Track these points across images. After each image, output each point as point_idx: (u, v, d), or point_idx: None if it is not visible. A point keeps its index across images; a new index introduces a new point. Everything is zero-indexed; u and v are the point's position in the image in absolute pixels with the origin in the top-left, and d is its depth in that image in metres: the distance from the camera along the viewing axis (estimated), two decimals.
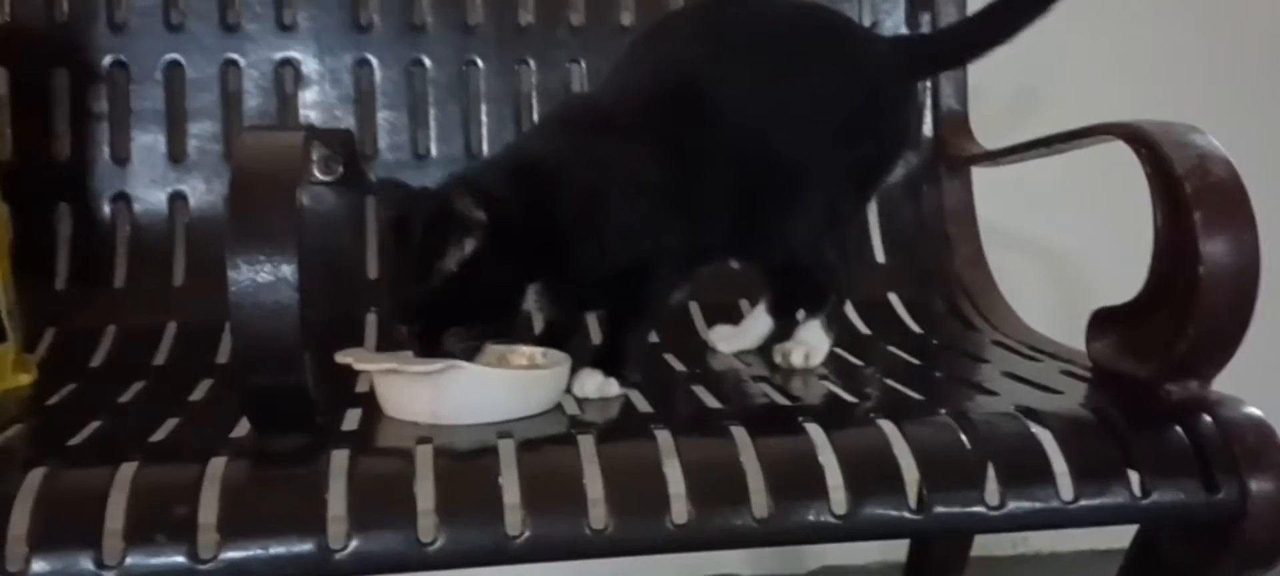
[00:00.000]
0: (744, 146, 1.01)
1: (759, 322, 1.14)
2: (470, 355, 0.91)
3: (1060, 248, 1.67)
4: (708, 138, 1.01)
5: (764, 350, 1.13)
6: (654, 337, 1.12)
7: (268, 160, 0.81)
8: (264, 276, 0.76)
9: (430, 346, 0.91)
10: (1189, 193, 0.87)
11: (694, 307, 1.25)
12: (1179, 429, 0.86)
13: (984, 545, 1.49)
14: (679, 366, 1.09)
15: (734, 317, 1.20)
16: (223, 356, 1.12)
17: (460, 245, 0.90)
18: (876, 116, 1.09)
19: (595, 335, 1.15)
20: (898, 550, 1.56)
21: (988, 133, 1.37)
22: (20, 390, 1.02)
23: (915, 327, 1.26)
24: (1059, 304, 1.58)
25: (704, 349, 1.16)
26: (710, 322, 1.20)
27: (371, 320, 1.21)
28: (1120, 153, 0.95)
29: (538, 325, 1.10)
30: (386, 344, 1.08)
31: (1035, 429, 0.86)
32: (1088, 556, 1.70)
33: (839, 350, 1.11)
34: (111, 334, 1.17)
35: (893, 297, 1.30)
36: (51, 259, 1.21)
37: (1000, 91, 1.46)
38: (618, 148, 0.99)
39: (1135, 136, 0.93)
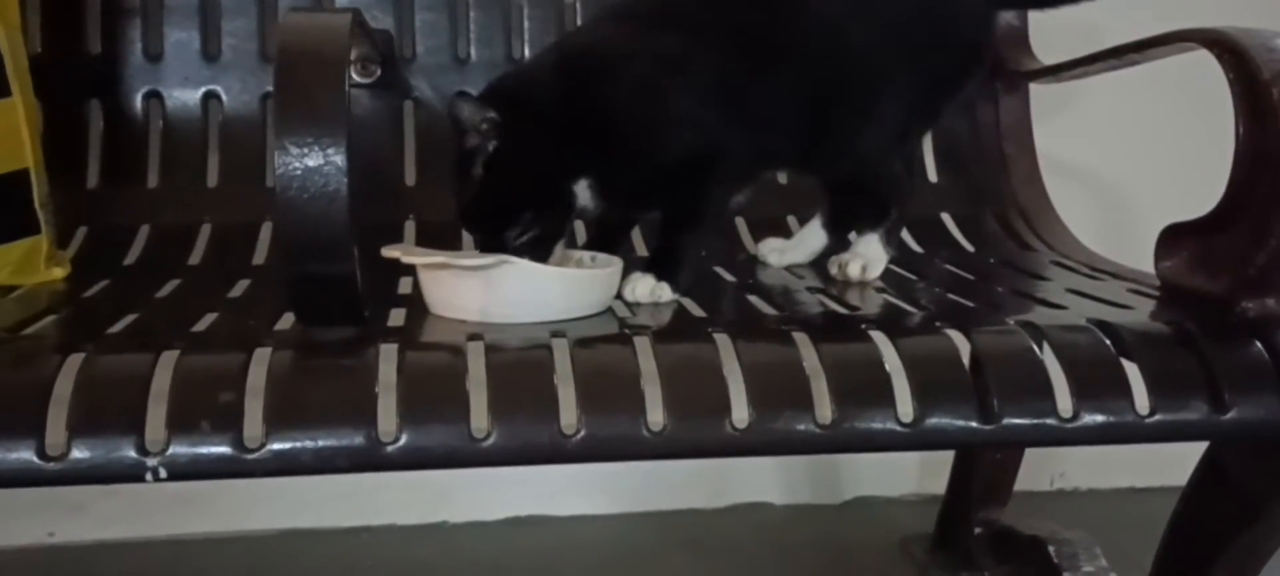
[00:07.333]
0: (822, 51, 0.99)
1: (813, 236, 1.11)
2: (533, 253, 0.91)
3: (1104, 175, 1.63)
4: (780, 38, 0.98)
5: (816, 264, 1.10)
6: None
7: (314, 39, 0.78)
8: (313, 159, 0.73)
9: (493, 246, 0.92)
10: (1277, 98, 0.83)
11: (740, 222, 1.21)
12: (1259, 344, 0.83)
13: (1022, 480, 1.46)
14: (729, 277, 1.06)
15: (781, 232, 1.17)
16: (259, 257, 1.10)
17: (482, 148, 0.93)
18: (957, 29, 1.06)
19: (640, 247, 1.12)
20: (935, 481, 1.53)
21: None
22: (53, 283, 0.99)
23: (969, 246, 1.22)
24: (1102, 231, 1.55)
25: (753, 263, 1.13)
26: (757, 237, 1.17)
27: (410, 226, 1.17)
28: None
29: (584, 232, 1.06)
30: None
31: (1108, 341, 0.83)
32: (1126, 493, 1.69)
33: (893, 266, 1.08)
34: (145, 233, 1.14)
35: (945, 216, 1.26)
36: (82, 156, 1.18)
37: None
38: (674, 41, 0.96)
39: (1219, 42, 0.89)
